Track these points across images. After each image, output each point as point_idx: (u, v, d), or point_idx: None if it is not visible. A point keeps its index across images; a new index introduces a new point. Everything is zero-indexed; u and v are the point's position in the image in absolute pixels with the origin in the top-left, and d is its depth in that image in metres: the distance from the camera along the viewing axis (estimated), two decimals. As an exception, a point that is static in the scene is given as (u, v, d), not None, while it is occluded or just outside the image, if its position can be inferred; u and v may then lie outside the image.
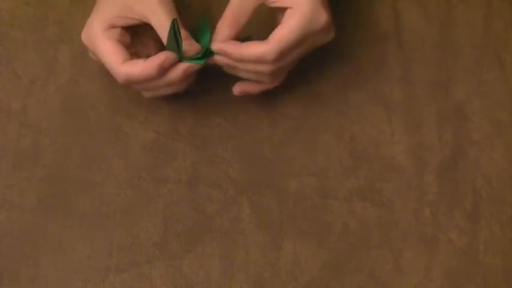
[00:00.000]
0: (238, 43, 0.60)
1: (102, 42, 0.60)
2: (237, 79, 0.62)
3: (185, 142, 0.65)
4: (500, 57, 0.67)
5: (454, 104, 0.66)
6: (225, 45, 0.60)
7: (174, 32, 0.59)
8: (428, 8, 0.68)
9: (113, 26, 0.60)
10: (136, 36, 0.62)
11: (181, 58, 0.60)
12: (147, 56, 0.62)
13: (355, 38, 0.67)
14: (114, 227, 0.63)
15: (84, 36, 0.61)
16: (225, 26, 0.60)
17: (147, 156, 0.64)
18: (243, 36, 0.61)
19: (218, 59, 0.61)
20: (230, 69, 0.61)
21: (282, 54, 0.59)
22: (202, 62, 0.61)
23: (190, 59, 0.60)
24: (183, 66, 0.60)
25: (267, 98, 0.65)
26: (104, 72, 0.63)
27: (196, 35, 0.62)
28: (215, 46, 0.60)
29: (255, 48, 0.59)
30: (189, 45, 0.60)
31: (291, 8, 0.59)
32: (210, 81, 0.65)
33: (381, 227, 0.63)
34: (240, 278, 0.62)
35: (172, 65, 0.60)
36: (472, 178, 0.64)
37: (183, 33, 0.60)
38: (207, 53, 0.61)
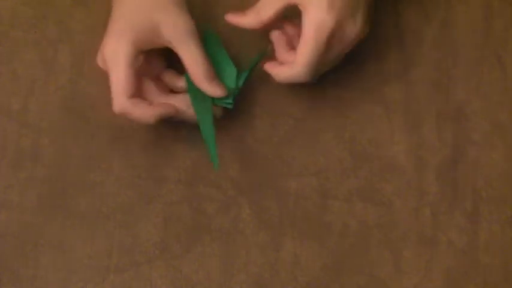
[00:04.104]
0: (275, 65, 0.61)
1: (123, 67, 0.58)
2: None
3: (185, 142, 0.65)
4: (500, 57, 0.67)
5: (454, 104, 0.66)
6: (269, 67, 0.61)
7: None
8: (428, 8, 0.68)
9: (140, 52, 0.59)
10: (147, 57, 0.61)
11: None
12: (156, 76, 0.62)
13: (355, 38, 0.67)
14: (114, 227, 0.63)
15: (107, 50, 0.58)
16: (248, 17, 0.61)
17: (147, 156, 0.64)
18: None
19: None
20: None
21: (313, 69, 0.60)
22: (230, 106, 0.63)
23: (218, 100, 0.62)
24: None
25: (267, 98, 0.65)
26: (103, 72, 0.63)
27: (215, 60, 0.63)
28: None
29: (288, 72, 0.60)
30: (217, 88, 0.61)
31: (303, 19, 0.59)
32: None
33: (381, 227, 0.63)
34: (240, 278, 0.62)
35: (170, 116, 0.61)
36: (472, 178, 0.64)
37: (211, 71, 0.61)
38: (235, 93, 0.63)
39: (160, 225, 0.63)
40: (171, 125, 0.65)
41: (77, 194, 0.63)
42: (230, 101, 0.62)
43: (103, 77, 0.65)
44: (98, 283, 0.61)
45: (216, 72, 0.61)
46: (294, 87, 0.66)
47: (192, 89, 0.61)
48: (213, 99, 0.62)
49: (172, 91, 0.63)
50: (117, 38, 0.58)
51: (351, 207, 0.63)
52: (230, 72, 0.63)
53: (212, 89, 0.61)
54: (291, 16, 0.62)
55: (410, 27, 0.68)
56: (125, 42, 0.58)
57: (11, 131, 0.65)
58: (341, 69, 0.66)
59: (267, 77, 0.65)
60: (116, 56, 0.58)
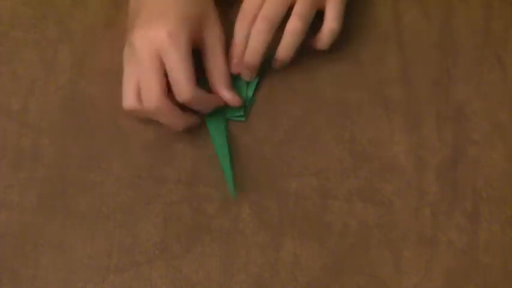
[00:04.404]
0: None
1: (187, 57, 0.57)
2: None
3: (185, 142, 0.65)
4: (500, 57, 0.67)
5: (454, 104, 0.66)
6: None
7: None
8: (429, 8, 0.68)
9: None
10: None
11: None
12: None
13: (355, 38, 0.67)
14: (114, 227, 0.63)
15: (163, 36, 0.57)
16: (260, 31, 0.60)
17: (147, 156, 0.64)
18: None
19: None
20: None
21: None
22: (243, 118, 0.64)
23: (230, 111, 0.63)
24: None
25: (267, 97, 0.65)
26: (103, 72, 0.63)
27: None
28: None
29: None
30: (236, 97, 0.62)
31: None
32: (210, 81, 0.65)
33: (381, 227, 0.63)
34: (240, 278, 0.62)
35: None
36: (472, 178, 0.64)
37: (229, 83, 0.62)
38: (245, 105, 0.63)
39: (160, 225, 0.63)
40: (171, 125, 0.65)
41: (77, 194, 0.63)
42: (241, 113, 0.63)
43: (103, 77, 0.65)
44: (98, 283, 0.61)
45: None
46: (294, 87, 0.66)
47: None
48: (225, 113, 0.63)
49: None
50: (173, 27, 0.57)
51: (351, 207, 0.63)
52: (240, 80, 0.63)
53: (231, 97, 0.61)
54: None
55: (411, 27, 0.68)
56: (184, 33, 0.58)
57: (11, 131, 0.65)
58: (341, 69, 0.66)
59: (266, 76, 0.65)
60: (177, 43, 0.57)
